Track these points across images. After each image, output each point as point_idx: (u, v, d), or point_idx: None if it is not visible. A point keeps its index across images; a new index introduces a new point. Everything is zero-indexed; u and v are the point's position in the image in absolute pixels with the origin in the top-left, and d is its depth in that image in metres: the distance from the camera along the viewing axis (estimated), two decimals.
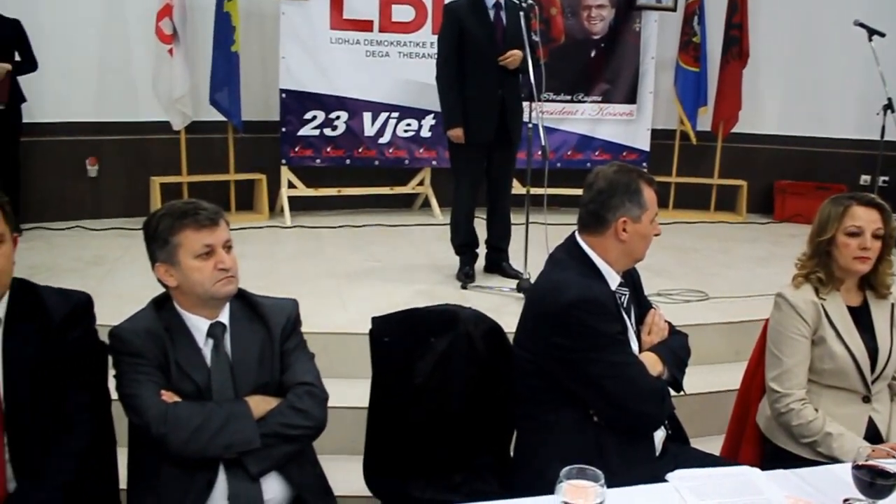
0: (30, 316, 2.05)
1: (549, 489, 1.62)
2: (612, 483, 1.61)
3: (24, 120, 5.94)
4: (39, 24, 6.00)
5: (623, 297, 2.37)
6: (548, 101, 6.53)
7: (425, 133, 6.93)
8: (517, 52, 4.56)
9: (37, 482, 1.98)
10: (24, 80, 5.82)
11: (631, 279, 2.47)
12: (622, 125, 7.38)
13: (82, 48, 6.49)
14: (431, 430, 2.47)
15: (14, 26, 5.70)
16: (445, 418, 2.48)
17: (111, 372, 2.16)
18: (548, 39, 6.81)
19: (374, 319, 2.50)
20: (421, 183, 7.16)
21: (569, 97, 7.22)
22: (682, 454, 2.40)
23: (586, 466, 1.59)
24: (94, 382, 2.15)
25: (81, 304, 2.14)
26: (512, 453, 2.56)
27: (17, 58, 5.73)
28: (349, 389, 2.89)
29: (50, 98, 6.33)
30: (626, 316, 2.37)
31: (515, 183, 5.18)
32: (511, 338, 2.49)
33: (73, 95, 6.51)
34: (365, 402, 2.55)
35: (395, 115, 6.85)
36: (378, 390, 2.50)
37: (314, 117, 6.66)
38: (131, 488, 2.21)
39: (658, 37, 7.30)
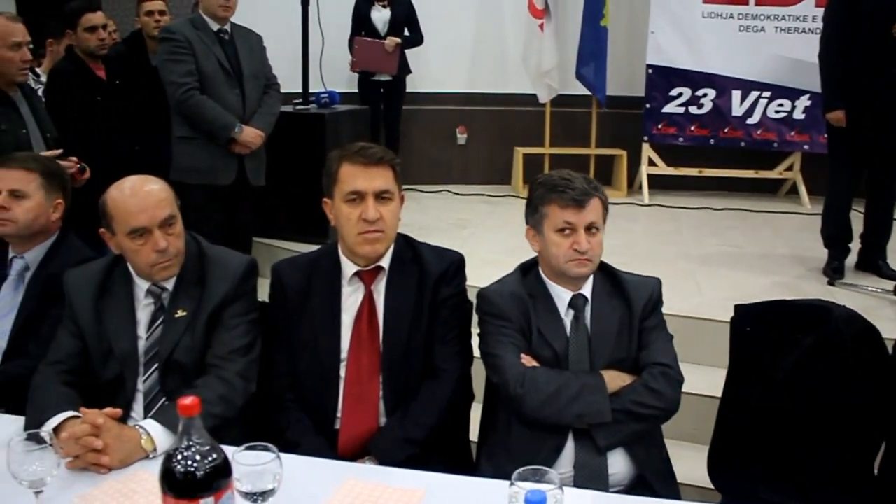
0: (410, 268, 2.24)
1: None
2: None
3: (408, 90, 6.50)
4: (427, 1, 6.47)
5: None
6: None
7: (798, 115, 6.47)
8: None
9: (404, 421, 2.15)
10: (410, 54, 6.36)
11: None
12: None
13: (460, 24, 6.95)
14: (787, 430, 2.33)
15: (407, 4, 6.31)
16: (804, 420, 2.32)
17: (475, 330, 2.29)
18: None
19: (738, 307, 2.40)
20: (789, 168, 6.70)
21: None
22: None
23: None
24: (461, 338, 2.28)
25: (455, 263, 2.28)
26: (876, 470, 2.34)
27: (407, 33, 6.27)
28: (698, 376, 2.82)
29: (429, 70, 6.86)
30: None
31: None
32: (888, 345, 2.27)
33: (449, 68, 7.01)
34: (713, 391, 2.49)
35: (767, 94, 6.47)
36: (734, 382, 2.40)
37: (680, 94, 6.53)
38: (482, 442, 2.33)
39: None
